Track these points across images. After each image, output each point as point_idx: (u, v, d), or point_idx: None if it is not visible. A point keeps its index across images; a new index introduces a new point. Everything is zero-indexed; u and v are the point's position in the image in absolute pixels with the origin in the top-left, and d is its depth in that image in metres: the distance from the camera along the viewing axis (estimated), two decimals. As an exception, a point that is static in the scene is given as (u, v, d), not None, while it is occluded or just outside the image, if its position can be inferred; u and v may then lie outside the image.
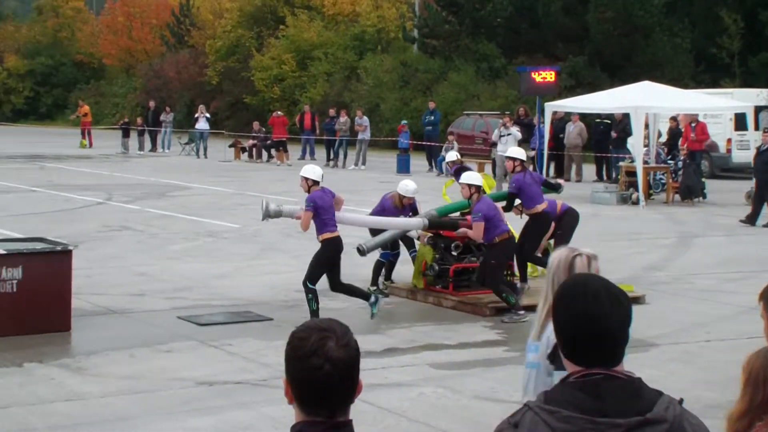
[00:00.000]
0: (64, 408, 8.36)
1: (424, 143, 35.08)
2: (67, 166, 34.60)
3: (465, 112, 39.74)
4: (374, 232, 12.94)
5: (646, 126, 25.79)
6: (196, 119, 41.12)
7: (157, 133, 43.85)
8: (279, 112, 40.33)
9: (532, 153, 28.15)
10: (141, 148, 42.99)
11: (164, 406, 8.50)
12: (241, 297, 12.93)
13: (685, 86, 33.69)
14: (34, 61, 74.12)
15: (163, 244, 17.47)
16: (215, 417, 8.22)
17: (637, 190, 24.41)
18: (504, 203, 13.12)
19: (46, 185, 27.43)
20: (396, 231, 12.90)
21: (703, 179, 25.60)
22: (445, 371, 9.78)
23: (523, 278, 13.39)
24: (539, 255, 13.13)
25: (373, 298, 11.83)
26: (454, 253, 13.12)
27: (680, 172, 25.18)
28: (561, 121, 31.42)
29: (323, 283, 11.60)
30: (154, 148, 43.49)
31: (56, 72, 74.34)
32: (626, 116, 26.81)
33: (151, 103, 46.79)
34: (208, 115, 41.95)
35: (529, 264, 13.62)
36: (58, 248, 11.25)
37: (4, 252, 10.93)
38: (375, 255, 13.20)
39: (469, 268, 13.10)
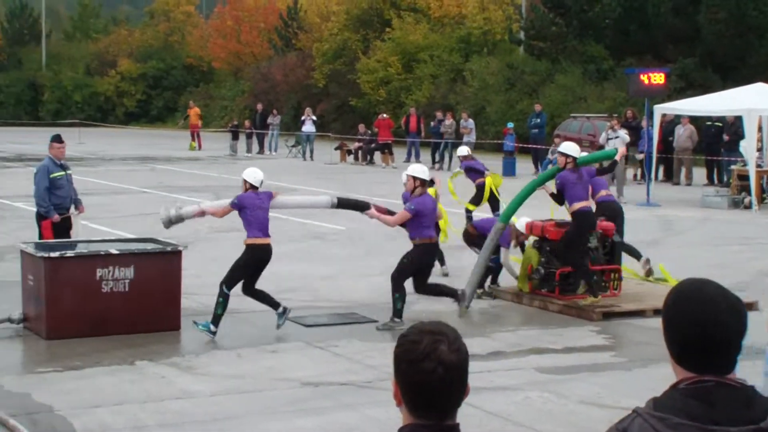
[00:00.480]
0: (174, 406, 8.51)
1: (529, 146, 34.84)
2: (176, 168, 35.26)
3: (572, 114, 39.31)
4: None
5: (760, 129, 25.18)
6: (303, 122, 41.51)
7: (264, 136, 44.40)
8: (384, 115, 40.47)
9: (641, 156, 27.71)
10: (249, 150, 43.59)
11: (270, 406, 8.59)
12: (347, 299, 13.01)
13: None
14: (146, 64, 75.75)
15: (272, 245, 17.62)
16: (321, 418, 8.28)
17: (749, 194, 23.87)
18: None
19: (157, 186, 28.00)
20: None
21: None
22: (551, 375, 9.69)
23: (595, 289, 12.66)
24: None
25: (281, 309, 11.31)
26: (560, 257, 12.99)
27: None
28: (670, 124, 30.89)
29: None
30: (261, 151, 44.05)
31: (167, 75, 75.85)
32: (738, 119, 26.22)
33: (259, 106, 47.41)
34: (314, 117, 42.32)
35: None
36: (169, 249, 11.47)
37: (117, 252, 11.19)
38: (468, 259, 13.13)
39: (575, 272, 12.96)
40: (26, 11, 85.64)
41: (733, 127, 28.11)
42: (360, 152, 39.44)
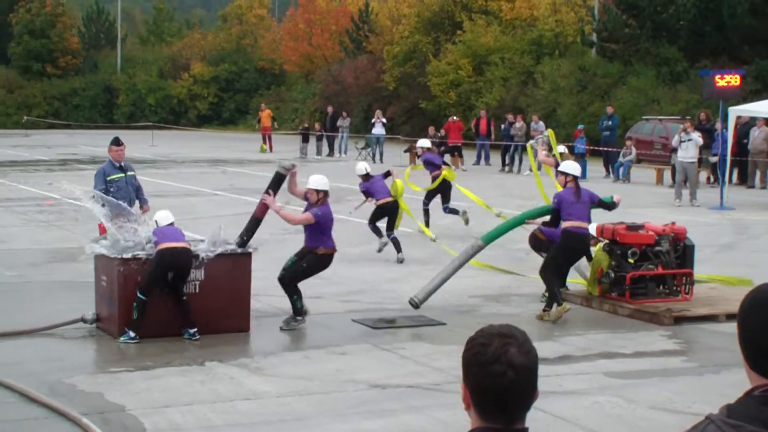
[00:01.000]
0: (243, 406, 8.57)
1: (601, 148, 34.54)
2: (247, 171, 35.57)
3: (644, 116, 38.91)
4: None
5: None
6: (373, 124, 41.61)
7: (334, 138, 44.59)
8: (455, 117, 40.40)
9: (715, 159, 27.31)
10: (318, 153, 43.82)
11: (338, 407, 8.61)
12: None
13: None
14: (218, 67, 76.54)
15: (339, 247, 17.70)
16: (388, 420, 8.28)
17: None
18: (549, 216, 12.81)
19: (228, 189, 28.28)
20: None
21: None
22: (621, 380, 9.58)
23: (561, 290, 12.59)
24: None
25: (132, 335, 10.86)
26: (631, 261, 12.86)
27: None
28: (745, 126, 30.41)
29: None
30: (331, 153, 44.25)
31: (239, 78, 76.57)
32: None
33: (329, 109, 47.65)
34: (384, 120, 42.41)
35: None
36: (239, 250, 11.56)
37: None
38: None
39: (646, 276, 12.83)
40: (102, 15, 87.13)
41: (810, 129, 27.59)
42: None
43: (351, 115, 50.93)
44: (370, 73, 59.76)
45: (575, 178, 12.54)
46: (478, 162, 38.99)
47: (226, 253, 11.41)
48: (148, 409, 8.45)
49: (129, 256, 10.98)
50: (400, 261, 16.11)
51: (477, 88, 51.02)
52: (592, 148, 34.68)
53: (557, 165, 13.95)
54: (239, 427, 8.06)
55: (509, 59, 50.36)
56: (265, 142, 47.57)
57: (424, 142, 20.67)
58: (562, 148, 16.62)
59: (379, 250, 16.79)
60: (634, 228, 13.08)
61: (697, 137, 25.75)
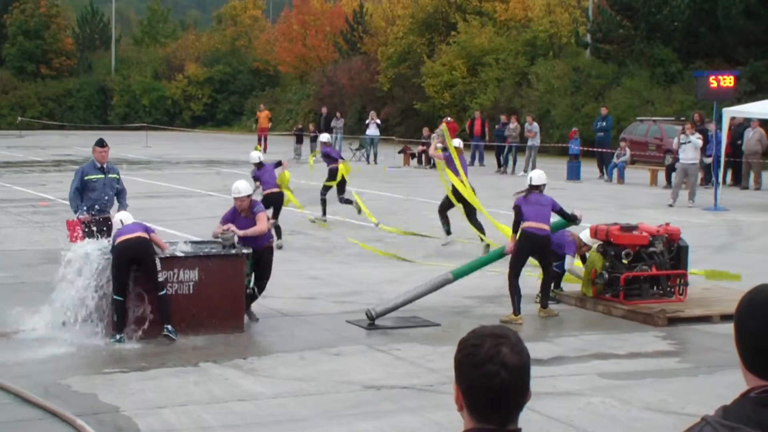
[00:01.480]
0: (238, 407, 8.57)
1: (595, 149, 34.57)
2: (242, 172, 35.52)
3: (638, 117, 38.96)
4: None
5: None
6: (367, 125, 41.62)
7: (328, 139, 44.53)
8: (449, 118, 40.40)
9: (708, 160, 27.35)
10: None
11: (333, 408, 8.62)
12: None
13: None
14: (212, 69, 76.50)
15: (334, 248, 17.73)
16: (383, 421, 8.28)
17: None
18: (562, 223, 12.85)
19: (222, 190, 28.23)
20: None
21: None
22: (615, 381, 9.59)
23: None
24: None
25: (118, 337, 10.88)
26: (625, 262, 12.88)
27: None
28: (739, 127, 30.45)
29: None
30: (325, 154, 44.21)
31: (233, 79, 76.54)
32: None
33: (324, 110, 47.63)
34: (378, 121, 42.41)
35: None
36: (233, 251, 11.56)
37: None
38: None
39: (640, 277, 12.84)
40: (97, 16, 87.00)
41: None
42: (424, 156, 39.43)
43: (345, 116, 50.92)
44: (364, 74, 59.74)
45: (534, 187, 12.53)
46: (472, 163, 38.98)
47: (220, 254, 11.41)
48: (142, 410, 8.45)
49: (179, 254, 11.03)
50: (279, 247, 16.25)
51: (471, 89, 51.03)
52: (586, 149, 34.70)
53: (451, 159, 16.49)
54: (234, 428, 8.06)
55: (503, 60, 50.38)
56: (259, 143, 47.54)
57: (323, 137, 23.34)
58: (457, 142, 18.06)
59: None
60: (628, 229, 13.10)
61: (695, 139, 25.78)
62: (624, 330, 11.79)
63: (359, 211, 20.60)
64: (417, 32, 56.84)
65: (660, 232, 13.21)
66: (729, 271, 14.95)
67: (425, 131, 40.71)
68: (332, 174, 21.19)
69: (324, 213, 21.07)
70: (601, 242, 13.13)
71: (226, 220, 11.96)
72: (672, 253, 13.20)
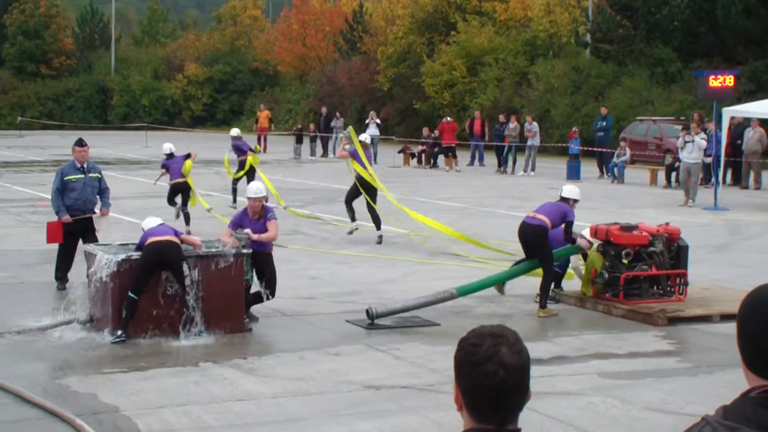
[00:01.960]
0: (237, 407, 8.57)
1: (595, 149, 34.58)
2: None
3: (638, 117, 38.96)
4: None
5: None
6: (367, 125, 41.62)
7: (328, 139, 44.59)
8: (449, 118, 40.40)
9: (708, 160, 27.35)
10: (312, 153, 43.79)
11: (332, 408, 8.61)
12: (395, 299, 12.97)
13: None
14: (212, 68, 76.51)
15: (334, 248, 17.73)
16: (382, 421, 8.27)
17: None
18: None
19: (222, 189, 28.24)
20: None
21: None
22: (615, 381, 9.59)
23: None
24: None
25: (119, 333, 10.87)
26: (625, 261, 12.87)
27: None
28: (739, 127, 30.45)
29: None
30: (325, 154, 44.24)
31: (233, 79, 76.53)
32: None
33: (323, 109, 47.64)
34: (378, 121, 42.41)
35: None
36: (233, 251, 11.55)
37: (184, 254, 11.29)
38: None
39: (640, 277, 12.84)
40: (96, 16, 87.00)
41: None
42: (423, 155, 39.42)
43: (345, 115, 50.90)
44: (364, 73, 59.73)
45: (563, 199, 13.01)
46: (472, 163, 39.00)
47: (220, 254, 11.40)
48: (141, 409, 8.44)
49: (122, 257, 10.96)
50: (188, 233, 16.41)
51: (471, 88, 51.03)
52: (585, 148, 34.70)
53: (356, 154, 18.67)
54: (233, 428, 8.06)
55: (503, 60, 50.38)
56: (259, 143, 47.51)
57: (233, 132, 25.43)
58: (362, 137, 20.17)
59: (177, 216, 19.57)
60: (627, 229, 13.09)
61: (699, 140, 25.76)
62: (624, 329, 11.79)
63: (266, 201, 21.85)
64: (417, 32, 56.85)
65: (660, 232, 13.20)
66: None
67: (425, 131, 40.70)
68: (242, 165, 23.81)
69: (234, 200, 23.42)
70: (601, 242, 13.12)
71: (235, 224, 11.91)
72: (672, 252, 13.19)
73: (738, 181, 30.85)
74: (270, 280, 11.91)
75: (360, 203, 18.72)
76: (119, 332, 10.81)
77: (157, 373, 9.62)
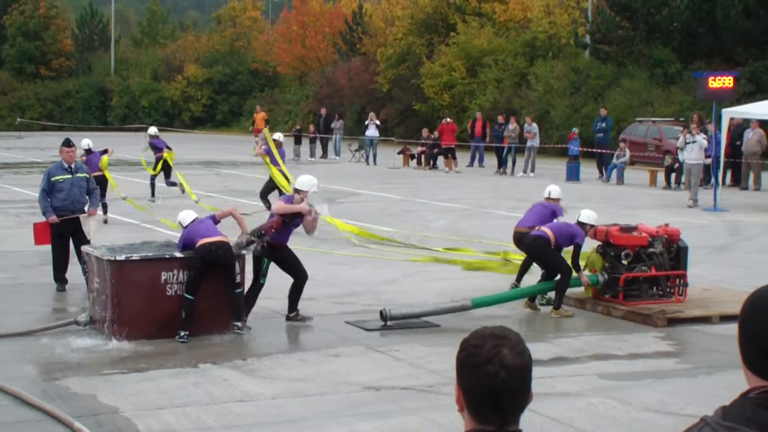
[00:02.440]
0: (237, 408, 8.57)
1: (594, 150, 34.58)
2: (241, 172, 35.54)
3: (637, 118, 38.97)
4: None
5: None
6: (367, 126, 41.63)
7: (328, 140, 44.60)
8: (448, 119, 40.40)
9: (708, 161, 27.36)
10: (312, 155, 43.79)
11: (332, 409, 8.61)
12: (409, 303, 12.97)
13: None
14: (212, 70, 76.47)
15: (333, 249, 17.73)
16: (382, 422, 8.27)
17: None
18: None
19: (222, 191, 28.25)
20: None
21: None
22: (614, 382, 9.59)
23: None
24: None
25: (241, 325, 11.31)
26: (625, 262, 12.87)
27: None
28: (739, 128, 30.46)
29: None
30: (324, 155, 44.24)
31: (233, 80, 76.51)
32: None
33: (323, 111, 47.63)
34: (377, 122, 42.41)
35: None
36: (246, 249, 11.57)
37: (181, 255, 11.30)
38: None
39: (639, 278, 12.84)
40: (96, 17, 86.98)
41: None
42: (423, 156, 39.42)
43: (345, 117, 50.89)
44: (363, 75, 59.73)
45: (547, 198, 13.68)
46: (471, 164, 38.99)
47: (219, 255, 11.39)
48: (141, 411, 8.44)
49: (122, 258, 10.96)
50: (104, 222, 19.94)
51: (471, 89, 51.03)
52: (585, 150, 34.71)
53: (270, 152, 20.45)
54: (233, 429, 8.06)
55: (503, 61, 50.39)
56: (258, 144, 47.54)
57: (150, 130, 26.35)
58: (276, 135, 21.91)
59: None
60: (627, 230, 13.09)
61: (701, 139, 25.75)
62: (623, 331, 11.79)
63: (183, 191, 23.82)
64: (416, 33, 56.85)
65: (659, 233, 13.20)
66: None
67: (425, 132, 40.68)
68: (158, 162, 24.97)
69: (153, 194, 24.67)
70: (600, 243, 13.12)
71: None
72: (672, 253, 13.19)
73: (737, 182, 30.85)
74: (297, 269, 12.04)
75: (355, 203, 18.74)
76: (182, 333, 10.93)
77: (156, 375, 9.62)
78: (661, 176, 31.40)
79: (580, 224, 12.84)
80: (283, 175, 20.56)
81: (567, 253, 12.87)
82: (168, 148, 25.43)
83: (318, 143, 44.76)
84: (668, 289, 13.03)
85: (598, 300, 12.93)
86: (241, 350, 10.79)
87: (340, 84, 60.88)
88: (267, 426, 8.15)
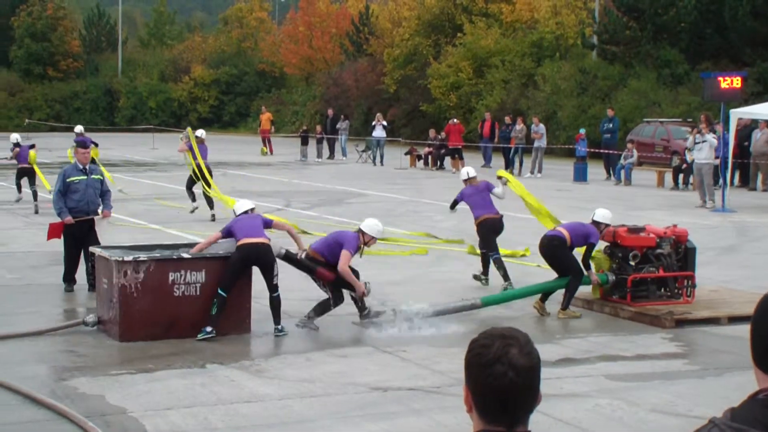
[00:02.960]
0: (244, 409, 8.57)
1: (601, 151, 34.54)
2: (248, 173, 35.56)
3: (645, 119, 38.91)
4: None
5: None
6: (373, 127, 41.65)
7: (335, 141, 44.62)
8: (455, 120, 40.39)
9: (716, 161, 27.31)
10: (319, 155, 43.81)
11: (340, 410, 8.61)
12: (417, 304, 12.96)
13: None
14: (218, 70, 76.56)
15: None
16: (389, 422, 8.27)
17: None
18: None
19: (229, 192, 28.23)
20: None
21: None
22: (622, 383, 9.57)
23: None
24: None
25: (280, 327, 11.36)
26: (632, 263, 12.85)
27: None
28: (747, 129, 30.40)
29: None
30: (331, 156, 44.25)
31: (239, 81, 76.58)
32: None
33: (330, 111, 47.66)
34: (384, 122, 42.42)
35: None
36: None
37: (189, 256, 11.31)
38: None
39: (647, 279, 12.81)
40: (103, 19, 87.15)
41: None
42: (430, 157, 39.41)
43: (351, 117, 50.91)
44: (370, 75, 59.76)
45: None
46: (487, 164, 38.92)
47: (227, 256, 11.41)
48: (149, 411, 8.45)
49: (129, 258, 10.98)
50: (36, 212, 22.44)
51: (478, 90, 51.02)
52: (592, 150, 34.68)
53: (191, 148, 21.68)
54: (240, 430, 8.06)
55: (510, 62, 50.37)
56: (265, 145, 47.58)
57: (76, 128, 28.68)
58: (199, 132, 23.18)
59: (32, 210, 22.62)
60: (635, 230, 13.07)
61: (711, 139, 25.70)
62: (631, 332, 11.77)
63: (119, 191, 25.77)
64: (423, 34, 56.86)
65: (667, 234, 13.18)
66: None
67: (431, 133, 40.68)
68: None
69: None
70: (608, 243, 13.09)
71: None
72: (679, 254, 13.17)
73: (746, 183, 30.79)
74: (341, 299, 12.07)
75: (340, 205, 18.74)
76: (209, 329, 10.96)
77: (164, 375, 9.63)
78: (668, 177, 31.35)
79: (595, 223, 12.82)
80: (200, 170, 21.68)
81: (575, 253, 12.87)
82: (94, 144, 27.19)
83: (325, 144, 44.78)
84: (676, 290, 13.00)
85: (605, 301, 12.92)
86: (249, 351, 10.80)
87: (346, 85, 60.91)
88: (274, 427, 8.15)
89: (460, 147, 37.81)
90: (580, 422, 8.29)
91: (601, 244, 13.21)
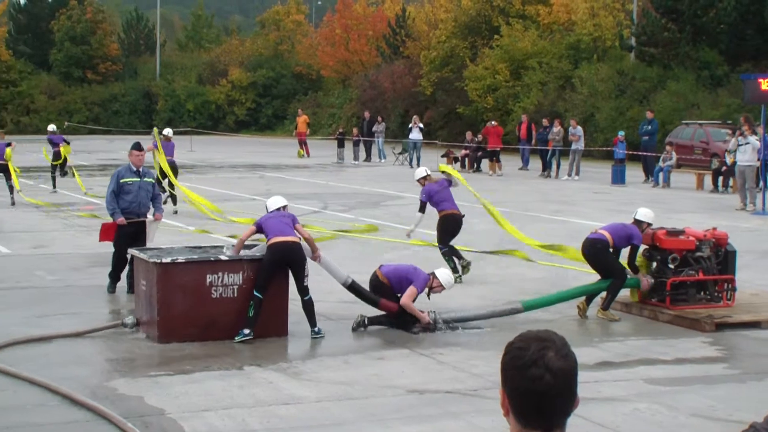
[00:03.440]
0: (282, 411, 8.59)
1: (640, 153, 34.34)
2: (285, 176, 35.68)
3: (684, 121, 38.63)
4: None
5: None
6: (410, 129, 41.65)
7: (371, 143, 44.66)
8: (494, 122, 40.31)
9: (757, 163, 27.05)
10: (356, 158, 43.87)
11: (377, 413, 8.61)
12: (452, 307, 12.94)
13: None
14: (255, 73, 76.92)
15: (377, 252, 17.74)
16: (426, 426, 8.26)
17: None
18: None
19: (266, 194, 28.34)
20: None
21: None
22: (661, 387, 9.50)
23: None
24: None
25: (317, 329, 11.40)
26: (671, 266, 12.75)
27: None
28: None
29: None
30: (368, 158, 44.29)
31: (276, 84, 76.89)
32: None
33: (366, 114, 47.70)
34: (421, 125, 42.41)
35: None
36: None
37: (226, 258, 11.35)
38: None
39: (686, 282, 12.72)
40: (142, 22, 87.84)
41: None
42: (467, 159, 39.35)
43: (388, 120, 50.94)
44: (406, 78, 59.79)
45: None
46: (525, 166, 38.79)
47: (264, 257, 11.43)
48: (187, 413, 8.49)
49: (168, 260, 11.04)
50: (12, 204, 24.64)
51: (514, 92, 50.90)
52: (631, 152, 34.47)
53: (156, 147, 22.76)
54: (278, 432, 8.08)
55: (547, 64, 50.21)
56: (301, 148, 47.72)
57: (49, 127, 31.45)
58: (166, 131, 25.81)
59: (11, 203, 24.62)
60: (674, 233, 12.97)
61: (754, 141, 25.47)
62: (670, 335, 11.68)
63: (63, 175, 30.13)
64: (459, 36, 56.81)
65: (707, 237, 13.06)
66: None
67: (468, 135, 40.62)
68: (56, 156, 29.73)
69: (54, 186, 28.78)
70: (647, 246, 13.01)
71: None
72: (719, 257, 13.05)
73: (786, 185, 30.45)
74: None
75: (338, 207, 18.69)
76: (246, 331, 11.01)
77: (202, 377, 9.67)
78: (708, 180, 31.10)
79: (637, 222, 12.73)
80: (162, 167, 22.64)
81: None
82: (66, 142, 30.49)
83: (361, 146, 44.83)
84: (716, 294, 12.89)
85: (644, 304, 12.83)
86: (286, 353, 10.83)
87: (383, 87, 60.97)
88: (311, 429, 8.16)
89: (498, 149, 37.72)
90: (618, 426, 8.24)
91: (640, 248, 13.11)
